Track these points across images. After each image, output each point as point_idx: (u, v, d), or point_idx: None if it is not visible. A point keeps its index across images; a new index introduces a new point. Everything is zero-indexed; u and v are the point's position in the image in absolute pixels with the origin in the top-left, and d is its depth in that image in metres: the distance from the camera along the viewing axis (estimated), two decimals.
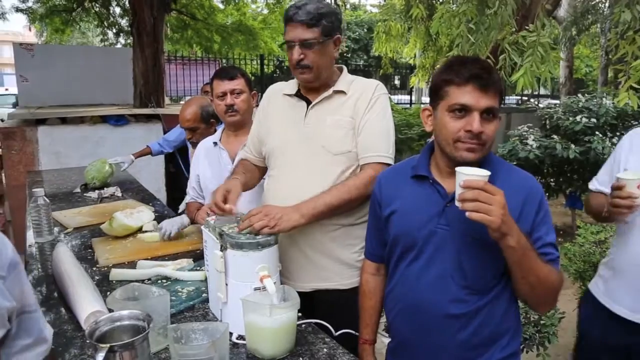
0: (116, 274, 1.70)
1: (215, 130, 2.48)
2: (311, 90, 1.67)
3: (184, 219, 2.17)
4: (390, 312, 1.41)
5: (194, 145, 2.53)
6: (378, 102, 1.62)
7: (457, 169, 1.09)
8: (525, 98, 14.07)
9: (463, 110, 1.16)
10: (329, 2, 6.17)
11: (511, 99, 15.50)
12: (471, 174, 1.07)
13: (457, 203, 1.08)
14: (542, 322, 1.95)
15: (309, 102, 1.66)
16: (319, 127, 1.62)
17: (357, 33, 23.30)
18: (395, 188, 1.36)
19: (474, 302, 1.22)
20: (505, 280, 1.23)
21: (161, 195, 5.07)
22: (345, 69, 1.72)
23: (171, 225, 2.08)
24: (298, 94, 1.69)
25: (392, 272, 1.38)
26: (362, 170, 1.59)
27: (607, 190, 1.61)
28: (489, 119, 1.17)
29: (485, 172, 1.08)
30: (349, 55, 22.54)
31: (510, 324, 1.28)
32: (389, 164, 1.58)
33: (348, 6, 23.48)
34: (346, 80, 1.66)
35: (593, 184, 1.79)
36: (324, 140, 1.60)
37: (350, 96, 1.62)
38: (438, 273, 1.24)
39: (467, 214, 1.05)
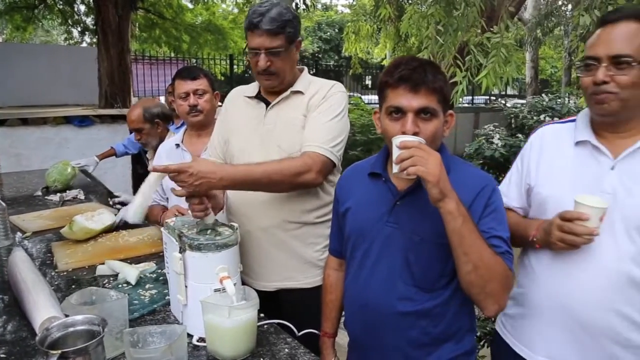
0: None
1: (162, 131, 2.50)
2: (272, 92, 1.67)
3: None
4: (346, 309, 1.42)
5: (145, 146, 2.57)
6: (330, 99, 1.61)
7: (393, 137, 1.13)
8: (494, 98, 14.41)
9: (399, 112, 1.17)
10: (292, 5, 6.15)
11: (480, 99, 15.85)
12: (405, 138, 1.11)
13: (394, 168, 1.10)
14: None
15: (268, 104, 1.66)
16: (276, 127, 1.62)
17: (328, 33, 23.40)
18: (352, 185, 1.38)
19: (423, 301, 1.23)
20: (457, 281, 1.20)
21: (128, 197, 4.97)
22: (306, 69, 1.72)
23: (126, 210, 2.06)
24: (258, 96, 1.69)
25: (348, 269, 1.40)
26: (299, 156, 1.53)
27: (517, 205, 1.41)
28: (427, 118, 1.17)
29: (421, 139, 1.12)
30: (320, 56, 22.60)
31: (462, 324, 1.29)
32: (327, 157, 1.54)
33: (319, 6, 23.56)
34: (305, 80, 1.67)
35: None
36: (280, 140, 1.60)
37: (307, 95, 1.63)
38: (386, 271, 1.25)
39: (405, 172, 1.06)
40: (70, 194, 2.96)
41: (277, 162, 1.50)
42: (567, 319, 1.24)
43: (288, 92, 1.63)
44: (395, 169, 1.10)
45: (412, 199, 1.23)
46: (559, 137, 1.34)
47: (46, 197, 2.93)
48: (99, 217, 2.12)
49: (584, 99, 1.28)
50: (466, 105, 14.70)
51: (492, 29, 3.98)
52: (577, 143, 1.28)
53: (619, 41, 1.14)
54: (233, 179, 1.41)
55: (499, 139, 5.26)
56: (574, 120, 1.36)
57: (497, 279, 1.13)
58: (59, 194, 2.93)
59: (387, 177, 1.28)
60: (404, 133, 1.15)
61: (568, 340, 1.25)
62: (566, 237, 1.16)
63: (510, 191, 1.42)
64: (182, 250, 1.28)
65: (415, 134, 1.14)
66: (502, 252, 1.16)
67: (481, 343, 2.10)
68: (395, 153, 1.10)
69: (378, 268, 1.27)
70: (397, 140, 1.11)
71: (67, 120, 5.31)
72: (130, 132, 2.68)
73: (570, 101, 6.07)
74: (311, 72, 1.82)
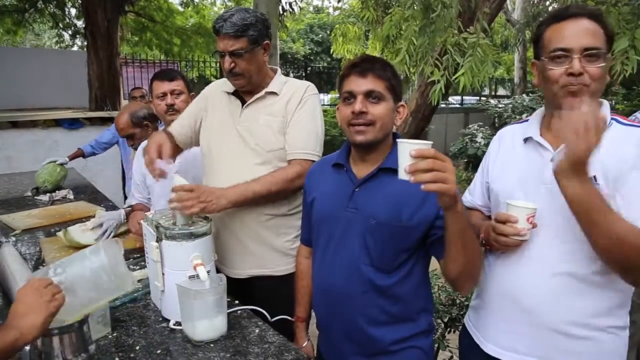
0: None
1: (156, 129, 2.55)
2: (246, 91, 1.77)
3: (121, 213, 2.24)
4: (313, 292, 1.52)
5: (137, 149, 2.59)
6: (308, 102, 1.72)
7: (399, 140, 1.06)
8: (484, 98, 14.56)
9: (352, 97, 1.30)
10: (279, 9, 6.20)
11: (472, 99, 16.01)
12: (418, 143, 1.03)
13: (404, 176, 1.03)
14: (466, 303, 2.09)
15: (243, 102, 1.76)
16: (252, 126, 1.72)
17: (320, 36, 23.48)
18: (318, 177, 1.49)
19: (380, 280, 1.32)
20: (414, 261, 1.32)
21: (118, 199, 5.05)
22: (279, 70, 1.82)
23: (109, 222, 2.14)
24: (235, 93, 1.79)
25: (314, 255, 1.50)
26: (290, 165, 1.68)
27: (481, 203, 1.49)
28: (375, 102, 1.29)
29: (428, 142, 1.06)
30: (312, 58, 22.70)
31: (419, 305, 1.38)
32: (314, 160, 1.67)
33: (311, 8, 23.67)
34: (279, 81, 1.77)
35: (466, 198, 1.54)
36: (257, 138, 1.70)
37: (282, 97, 1.73)
38: (347, 253, 1.35)
39: (422, 186, 1.01)
40: (59, 193, 3.03)
41: (271, 175, 1.64)
42: (514, 312, 1.30)
43: (262, 93, 1.73)
44: (405, 176, 1.02)
45: (370, 185, 1.33)
46: (514, 136, 1.40)
47: (36, 198, 3.01)
48: (93, 232, 2.12)
49: (547, 93, 1.26)
50: (457, 105, 14.86)
51: (468, 30, 4.07)
52: (525, 140, 1.34)
53: (587, 35, 1.17)
54: (239, 200, 1.58)
55: (482, 137, 5.37)
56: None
57: (479, 267, 1.27)
58: (48, 194, 3.00)
59: (349, 167, 1.39)
60: (352, 113, 1.27)
61: (515, 331, 1.31)
62: (498, 238, 1.23)
63: (475, 191, 1.50)
64: (158, 240, 1.37)
65: (362, 113, 1.26)
66: None
67: (447, 329, 2.19)
68: (406, 162, 1.02)
69: (340, 251, 1.37)
70: (406, 149, 1.02)
71: (58, 122, 5.36)
72: (124, 138, 2.68)
73: None
74: (302, 74, 1.93)
